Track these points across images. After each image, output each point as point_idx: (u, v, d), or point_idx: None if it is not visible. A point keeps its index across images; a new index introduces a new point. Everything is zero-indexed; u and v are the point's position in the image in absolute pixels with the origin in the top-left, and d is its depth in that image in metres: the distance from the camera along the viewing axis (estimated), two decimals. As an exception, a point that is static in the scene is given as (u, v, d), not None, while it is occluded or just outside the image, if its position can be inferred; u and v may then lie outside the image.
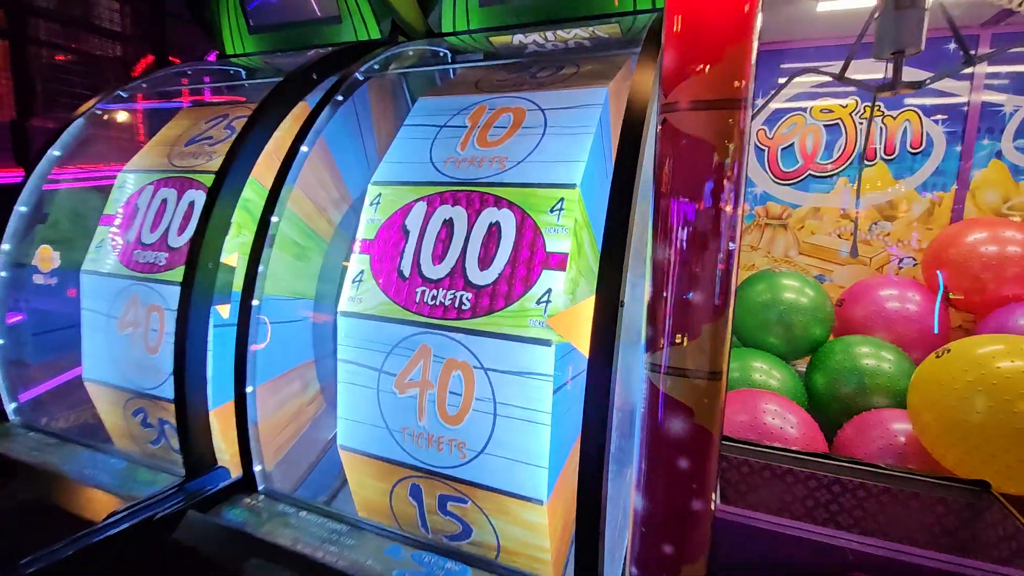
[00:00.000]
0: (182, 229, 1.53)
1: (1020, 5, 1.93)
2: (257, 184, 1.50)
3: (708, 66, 0.84)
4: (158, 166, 1.66)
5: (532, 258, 1.13)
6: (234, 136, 1.49)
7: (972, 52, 2.08)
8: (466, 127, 1.35)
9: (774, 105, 3.55)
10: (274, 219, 1.33)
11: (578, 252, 1.16)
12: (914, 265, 3.44)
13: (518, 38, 1.57)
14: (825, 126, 3.55)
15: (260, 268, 1.30)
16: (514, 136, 1.29)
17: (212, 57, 2.17)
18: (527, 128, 1.29)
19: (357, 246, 1.30)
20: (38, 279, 1.94)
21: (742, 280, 3.07)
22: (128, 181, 1.69)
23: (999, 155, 3.23)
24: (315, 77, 1.58)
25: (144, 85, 1.87)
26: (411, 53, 1.69)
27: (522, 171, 1.21)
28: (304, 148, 1.38)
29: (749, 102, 0.86)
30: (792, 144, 3.64)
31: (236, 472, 1.33)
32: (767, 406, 2.17)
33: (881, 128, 3.40)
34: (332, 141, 1.53)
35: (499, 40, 1.63)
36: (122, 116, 2.03)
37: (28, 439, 1.54)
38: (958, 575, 1.31)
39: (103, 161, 1.88)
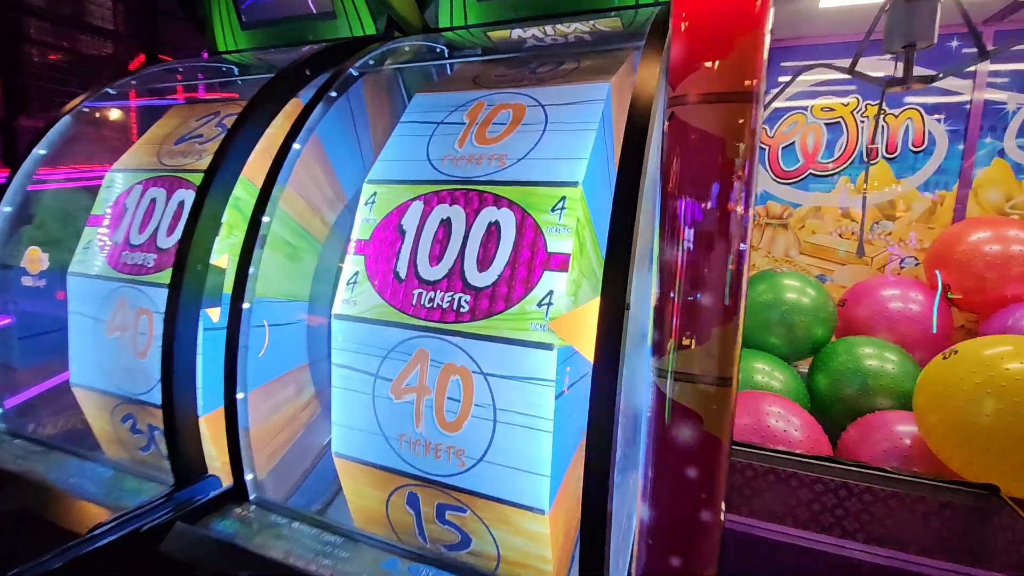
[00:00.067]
0: (171, 230, 1.49)
1: None
2: (249, 183, 1.46)
3: (718, 57, 0.81)
4: (147, 165, 1.61)
5: (533, 259, 1.10)
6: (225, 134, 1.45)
7: (986, 47, 2.04)
8: (464, 124, 1.31)
9: (775, 104, 3.52)
10: (265, 219, 1.29)
11: (580, 252, 1.12)
12: (916, 264, 3.41)
13: (516, 33, 1.53)
14: (826, 125, 3.52)
15: (251, 270, 1.25)
16: (514, 133, 1.25)
17: (205, 55, 2.13)
18: (527, 125, 1.25)
19: (352, 246, 1.26)
20: (26, 281, 1.90)
21: (743, 280, 3.03)
22: (116, 180, 1.65)
23: (1002, 154, 3.20)
24: (308, 73, 1.54)
25: (133, 82, 1.83)
26: (407, 49, 1.65)
27: (522, 169, 1.17)
28: (296, 145, 1.34)
29: (761, 95, 0.82)
30: (793, 143, 3.61)
31: (228, 480, 1.29)
32: (770, 408, 2.13)
33: (883, 126, 3.37)
34: (326, 138, 1.48)
35: (497, 35, 1.59)
36: (110, 114, 1.99)
37: (13, 447, 1.50)
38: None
39: (91, 160, 1.83)
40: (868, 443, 2.14)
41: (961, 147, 3.27)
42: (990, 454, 1.68)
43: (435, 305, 1.14)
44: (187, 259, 1.24)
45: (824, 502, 1.79)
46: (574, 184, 1.11)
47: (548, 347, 1.03)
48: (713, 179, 0.83)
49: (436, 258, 1.17)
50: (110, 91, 1.79)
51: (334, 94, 1.43)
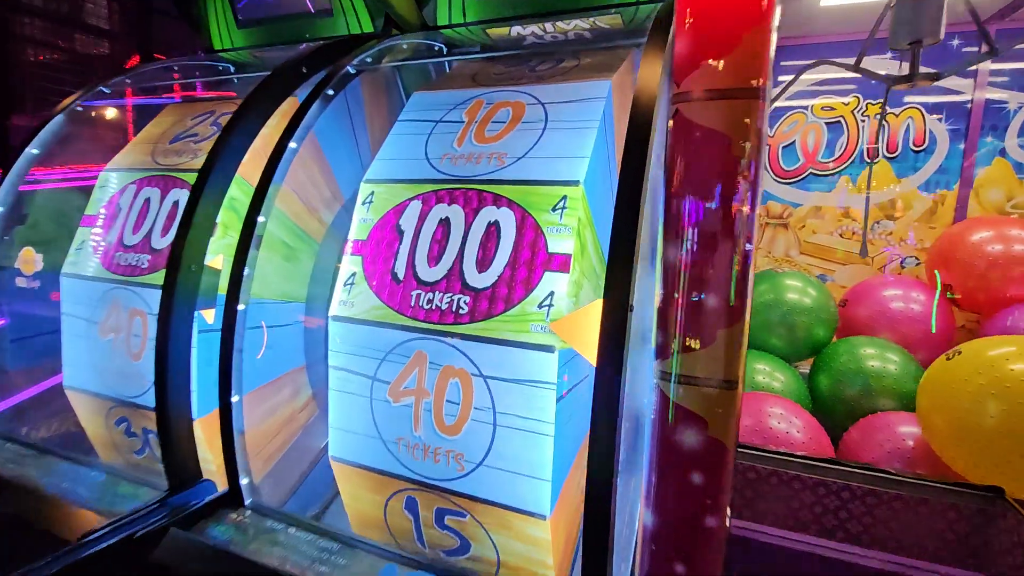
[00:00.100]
0: (166, 230, 1.47)
1: None
2: (245, 183, 1.44)
3: (724, 53, 0.79)
4: (141, 164, 1.59)
5: (533, 259, 1.08)
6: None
7: (995, 45, 2.02)
8: (463, 122, 1.29)
9: (776, 103, 3.50)
10: (261, 219, 1.27)
11: (581, 253, 1.10)
12: (917, 264, 3.39)
13: (516, 30, 1.51)
14: (826, 124, 3.51)
15: (246, 271, 1.23)
16: (513, 131, 1.23)
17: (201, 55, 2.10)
18: (527, 123, 1.23)
19: (349, 247, 1.24)
20: (21, 282, 1.87)
21: (743, 280, 3.01)
22: (110, 180, 1.63)
23: (1003, 153, 3.18)
24: (305, 71, 1.52)
25: (128, 81, 1.81)
26: (405, 46, 1.63)
27: (522, 168, 1.15)
28: (293, 144, 1.32)
29: (768, 92, 0.80)
30: (793, 142, 3.60)
31: (223, 484, 1.27)
32: (772, 409, 2.11)
33: (884, 125, 3.35)
34: (323, 137, 1.46)
35: (496, 32, 1.57)
36: (104, 113, 1.96)
37: (5, 450, 1.47)
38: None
39: (85, 159, 1.81)
40: (870, 444, 2.13)
41: (962, 146, 3.26)
42: (995, 456, 1.67)
43: (434, 306, 1.12)
44: (181, 260, 1.21)
45: (827, 504, 1.77)
46: (575, 183, 1.09)
47: (549, 349, 1.01)
48: (718, 177, 0.81)
49: (435, 259, 1.15)
50: (104, 90, 1.76)
51: (331, 92, 1.41)
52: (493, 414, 1.07)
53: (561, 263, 1.05)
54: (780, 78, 3.35)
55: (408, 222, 1.20)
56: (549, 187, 1.11)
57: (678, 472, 0.88)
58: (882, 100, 3.08)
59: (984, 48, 2.19)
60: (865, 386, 2.41)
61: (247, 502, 1.23)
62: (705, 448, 0.87)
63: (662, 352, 0.88)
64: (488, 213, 1.14)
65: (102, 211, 1.59)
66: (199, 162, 1.42)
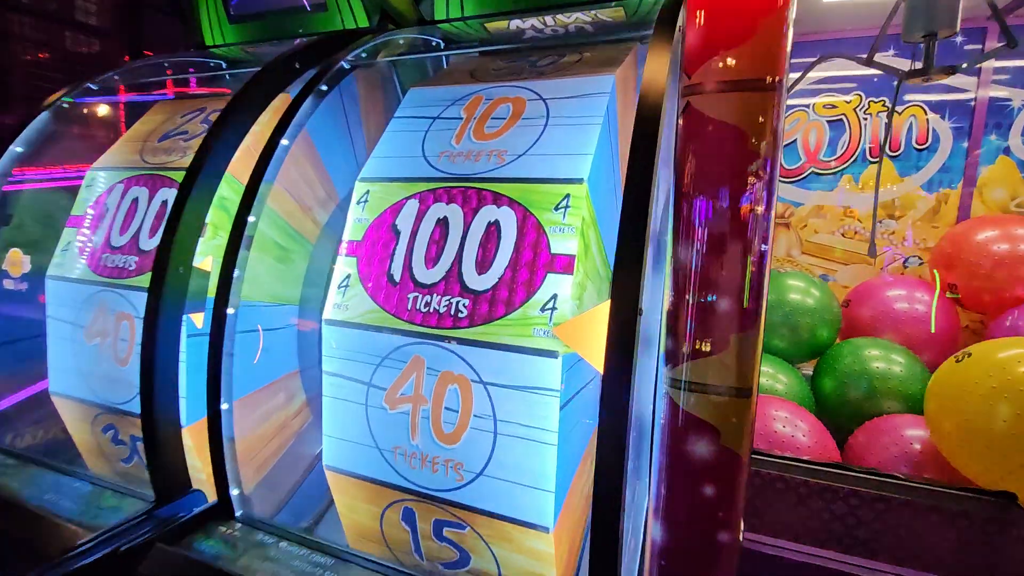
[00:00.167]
0: (154, 231, 1.42)
1: None
2: (236, 182, 1.39)
3: (739, 42, 0.74)
4: (129, 163, 1.54)
5: (535, 260, 1.03)
6: (210, 130, 1.38)
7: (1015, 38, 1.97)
8: (461, 119, 1.25)
9: (777, 100, 3.46)
10: (251, 219, 1.22)
11: (585, 254, 1.05)
12: (920, 264, 3.36)
13: (515, 23, 1.47)
14: (828, 122, 3.47)
15: (236, 272, 1.18)
16: (514, 128, 1.19)
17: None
18: (528, 119, 1.19)
19: (343, 248, 1.20)
20: (8, 284, 1.82)
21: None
22: (97, 179, 1.58)
23: (1007, 151, 3.14)
24: (297, 67, 1.47)
25: (116, 77, 1.76)
26: (401, 41, 1.59)
27: (523, 165, 1.11)
28: (285, 141, 1.27)
29: (784, 83, 0.76)
30: (794, 141, 3.55)
31: (214, 493, 1.22)
32: (777, 413, 2.07)
33: (886, 124, 3.31)
34: (316, 135, 1.42)
35: (495, 26, 1.53)
36: (91, 110, 1.91)
37: (-12, 459, 1.42)
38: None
39: (73, 158, 1.76)
40: (877, 448, 2.08)
41: (965, 145, 3.22)
42: (1007, 461, 1.62)
43: (432, 310, 1.07)
44: (168, 261, 1.17)
45: (835, 511, 1.73)
46: (579, 181, 1.04)
47: (552, 355, 0.97)
48: (732, 173, 0.77)
49: (432, 260, 1.10)
50: (91, 86, 1.71)
51: (324, 88, 1.36)
52: (494, 422, 1.02)
53: (564, 264, 1.01)
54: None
55: (405, 222, 1.16)
56: (551, 185, 1.06)
57: (689, 484, 0.84)
58: (892, 96, 3.03)
59: (998, 42, 2.15)
60: (870, 388, 2.37)
61: (237, 514, 1.18)
62: (717, 459, 0.83)
63: (672, 358, 0.84)
64: (488, 212, 1.10)
65: (89, 211, 1.54)
66: (188, 161, 1.37)
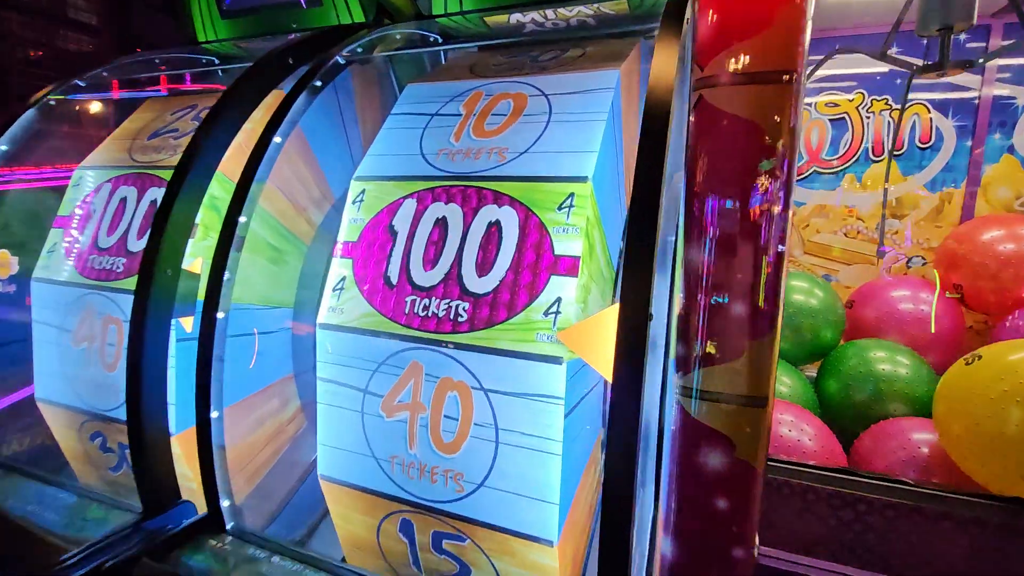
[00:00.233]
0: (142, 232, 1.37)
1: None
2: (228, 181, 1.34)
3: (755, 32, 0.70)
4: (117, 162, 1.50)
5: (538, 262, 0.99)
6: (200, 127, 1.33)
7: None
8: (460, 115, 1.21)
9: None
10: (242, 219, 1.18)
11: (590, 255, 1.01)
12: (923, 264, 3.32)
13: (515, 17, 1.43)
14: (830, 121, 3.43)
15: (226, 275, 1.14)
16: (515, 124, 1.14)
17: (184, 47, 2.00)
18: (529, 116, 1.15)
19: (338, 249, 1.15)
20: (-5, 286, 1.77)
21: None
22: (85, 178, 1.53)
23: (1011, 150, 3.11)
24: (291, 62, 1.43)
25: (104, 74, 1.71)
26: (398, 36, 1.54)
27: (525, 163, 1.07)
28: (277, 139, 1.22)
29: (802, 75, 0.72)
30: (796, 139, 3.52)
31: (204, 505, 1.18)
32: (782, 416, 2.03)
33: (889, 122, 3.28)
34: (310, 132, 1.37)
35: (494, 20, 1.49)
36: (79, 107, 1.86)
37: (-30, 468, 1.38)
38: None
39: (60, 157, 1.71)
40: (883, 452, 2.05)
41: (969, 143, 3.18)
42: (1018, 466, 1.59)
43: (430, 313, 1.03)
44: (155, 263, 1.12)
45: (842, 517, 1.69)
46: (583, 179, 1.00)
47: (556, 360, 0.93)
48: (747, 170, 0.72)
49: (431, 262, 1.06)
50: (79, 83, 1.67)
51: (319, 83, 1.32)
52: (495, 431, 0.98)
53: (569, 266, 0.97)
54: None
55: (402, 222, 1.11)
56: (555, 184, 1.02)
57: (702, 498, 0.80)
58: (895, 94, 2.99)
59: (993, 43, 2.11)
60: (875, 390, 2.33)
61: (228, 526, 1.13)
62: (731, 471, 0.79)
63: (684, 365, 0.80)
64: (488, 212, 1.05)
65: (76, 211, 1.49)
66: (178, 159, 1.33)
